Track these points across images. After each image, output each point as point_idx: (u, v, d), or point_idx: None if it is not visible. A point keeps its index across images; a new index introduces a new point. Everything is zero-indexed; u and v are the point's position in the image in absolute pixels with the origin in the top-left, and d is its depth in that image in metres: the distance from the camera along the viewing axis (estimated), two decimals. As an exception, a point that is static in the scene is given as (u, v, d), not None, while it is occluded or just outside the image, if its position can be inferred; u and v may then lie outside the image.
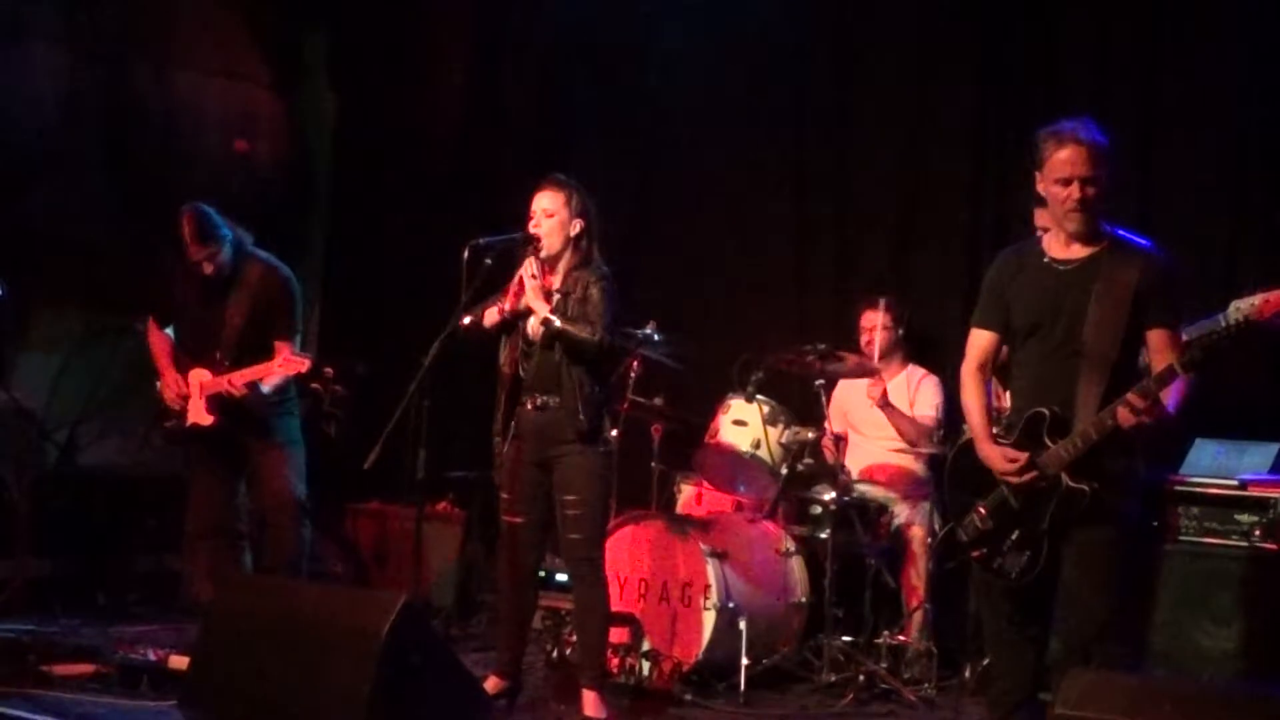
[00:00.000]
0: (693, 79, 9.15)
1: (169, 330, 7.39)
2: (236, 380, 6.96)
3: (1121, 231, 5.28)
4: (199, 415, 7.13)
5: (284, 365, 6.95)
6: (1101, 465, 5.12)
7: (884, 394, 7.59)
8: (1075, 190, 5.15)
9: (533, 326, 6.27)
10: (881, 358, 7.80)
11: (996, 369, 5.63)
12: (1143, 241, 5.27)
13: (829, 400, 7.62)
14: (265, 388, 7.06)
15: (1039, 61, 8.05)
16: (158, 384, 7.31)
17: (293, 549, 7.12)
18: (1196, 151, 7.55)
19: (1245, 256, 7.33)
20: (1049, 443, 5.17)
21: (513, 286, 6.30)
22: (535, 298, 6.17)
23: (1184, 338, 5.27)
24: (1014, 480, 5.22)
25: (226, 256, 7.10)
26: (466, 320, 6.26)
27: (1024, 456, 5.18)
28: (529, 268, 6.23)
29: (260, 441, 7.19)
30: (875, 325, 7.82)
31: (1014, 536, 5.26)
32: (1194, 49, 7.57)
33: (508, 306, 6.29)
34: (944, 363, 7.87)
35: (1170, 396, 5.06)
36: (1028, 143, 5.36)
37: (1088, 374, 5.14)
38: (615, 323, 6.32)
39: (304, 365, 6.95)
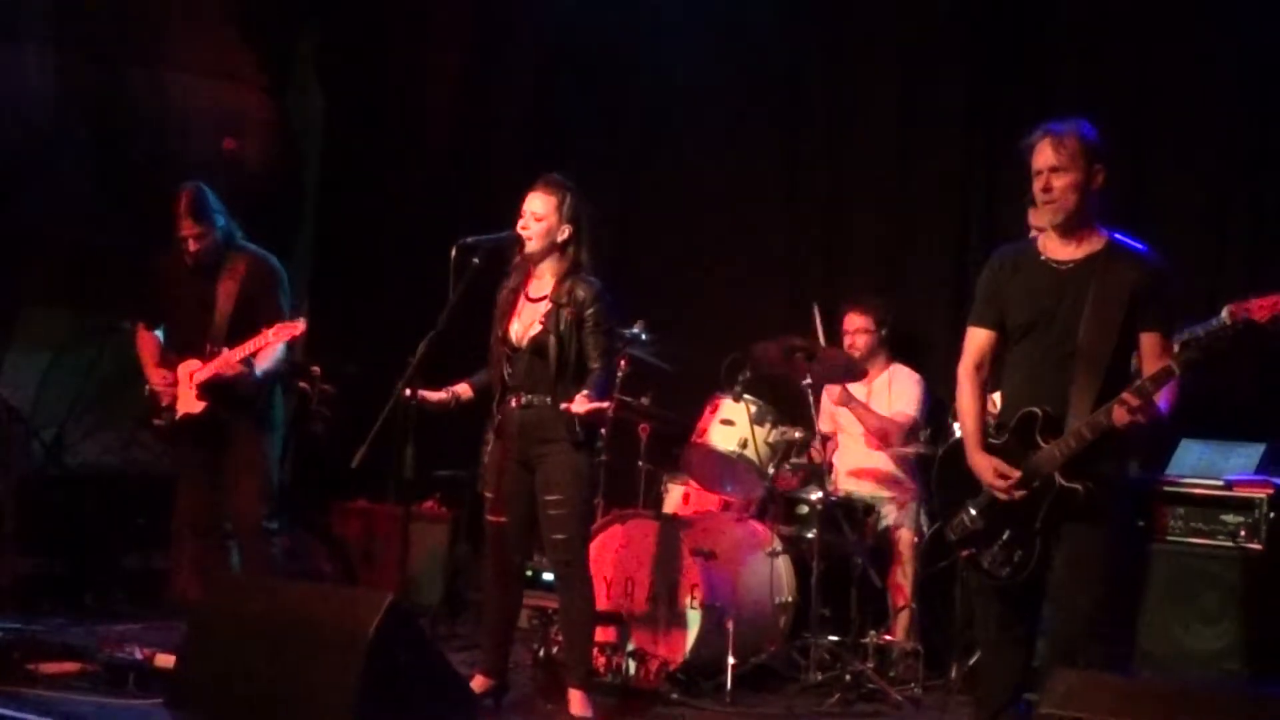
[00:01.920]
0: (684, 79, 9.15)
1: (158, 332, 7.36)
2: (233, 356, 6.90)
3: (1119, 236, 5.30)
4: (189, 404, 7.09)
5: (277, 332, 6.86)
6: (1093, 465, 5.13)
7: (842, 393, 7.60)
8: (1041, 182, 5.21)
9: (516, 333, 6.28)
10: (864, 359, 7.82)
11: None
12: (1140, 246, 5.29)
13: (818, 401, 7.62)
14: (258, 368, 6.98)
15: (1030, 63, 8.07)
16: (145, 387, 7.28)
17: (261, 569, 7.08)
18: (1186, 157, 7.56)
19: (1232, 263, 7.34)
20: (1041, 442, 5.18)
21: (504, 307, 6.34)
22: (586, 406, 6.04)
23: (1176, 340, 5.29)
24: (1002, 496, 5.23)
25: (216, 240, 7.08)
26: (407, 392, 6.20)
27: (1017, 475, 5.19)
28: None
29: (238, 449, 7.14)
30: (857, 328, 7.85)
31: (1005, 536, 5.27)
32: (1186, 54, 7.59)
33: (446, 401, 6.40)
34: (932, 363, 7.90)
35: (1163, 397, 5.08)
36: (1018, 144, 5.39)
37: (1082, 374, 5.16)
38: (611, 338, 6.34)
39: (298, 328, 6.89)
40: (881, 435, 7.69)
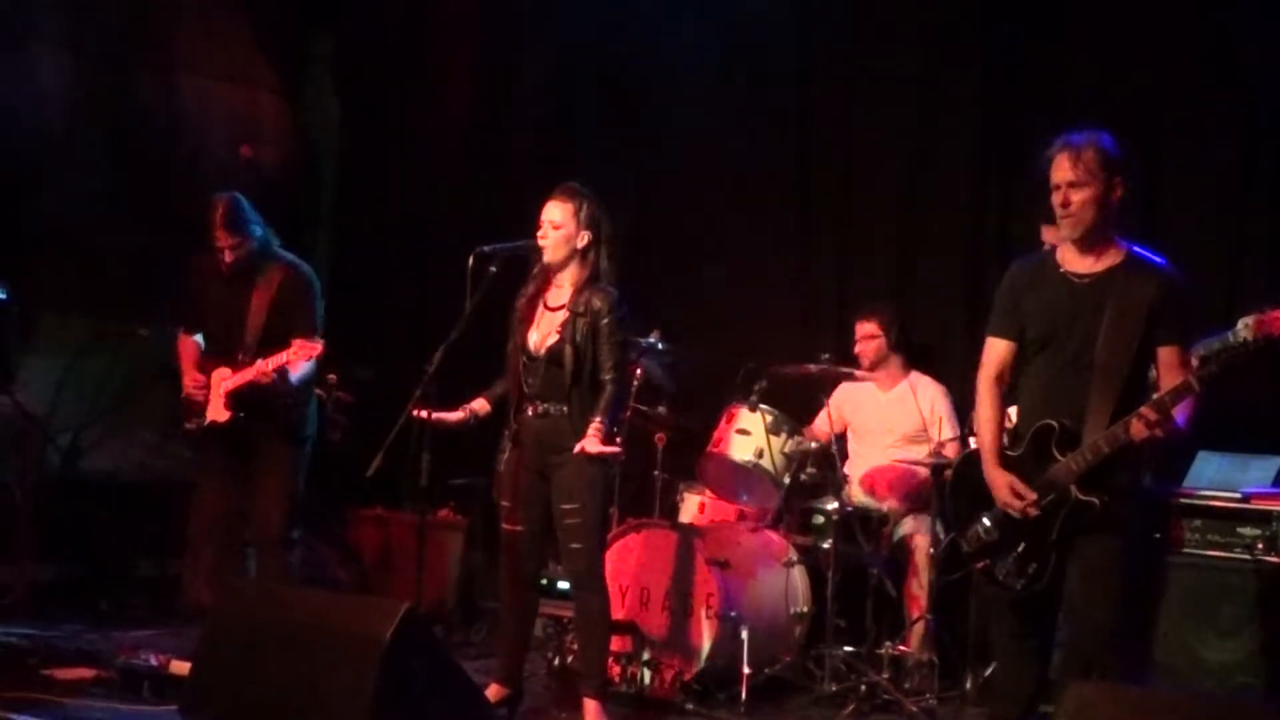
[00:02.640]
0: (697, 86, 9.15)
1: (198, 337, 7.31)
2: (266, 366, 6.85)
3: (1137, 248, 5.29)
4: (217, 412, 7.04)
5: (298, 351, 6.81)
6: (1109, 478, 5.12)
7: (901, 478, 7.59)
8: (1059, 196, 5.20)
9: (534, 342, 6.28)
10: (873, 367, 7.82)
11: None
12: (1158, 259, 5.28)
13: (828, 402, 7.60)
14: (294, 377, 6.95)
15: (1042, 69, 8.05)
16: (180, 393, 7.25)
17: (277, 578, 7.03)
18: (1201, 164, 7.54)
19: (1248, 273, 7.32)
20: (1057, 455, 5.18)
21: (521, 315, 6.35)
22: (595, 446, 6.09)
23: (1193, 354, 5.29)
24: (1015, 513, 5.23)
25: (252, 250, 7.04)
26: (423, 414, 6.28)
27: (1033, 496, 5.19)
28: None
29: (267, 457, 7.11)
30: (865, 336, 7.86)
31: (1020, 548, 5.26)
32: (1200, 59, 7.57)
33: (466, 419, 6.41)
34: (944, 371, 7.89)
35: (1181, 412, 5.07)
36: (1032, 152, 5.38)
37: (1099, 387, 5.15)
38: (625, 349, 6.35)
39: (317, 349, 6.83)
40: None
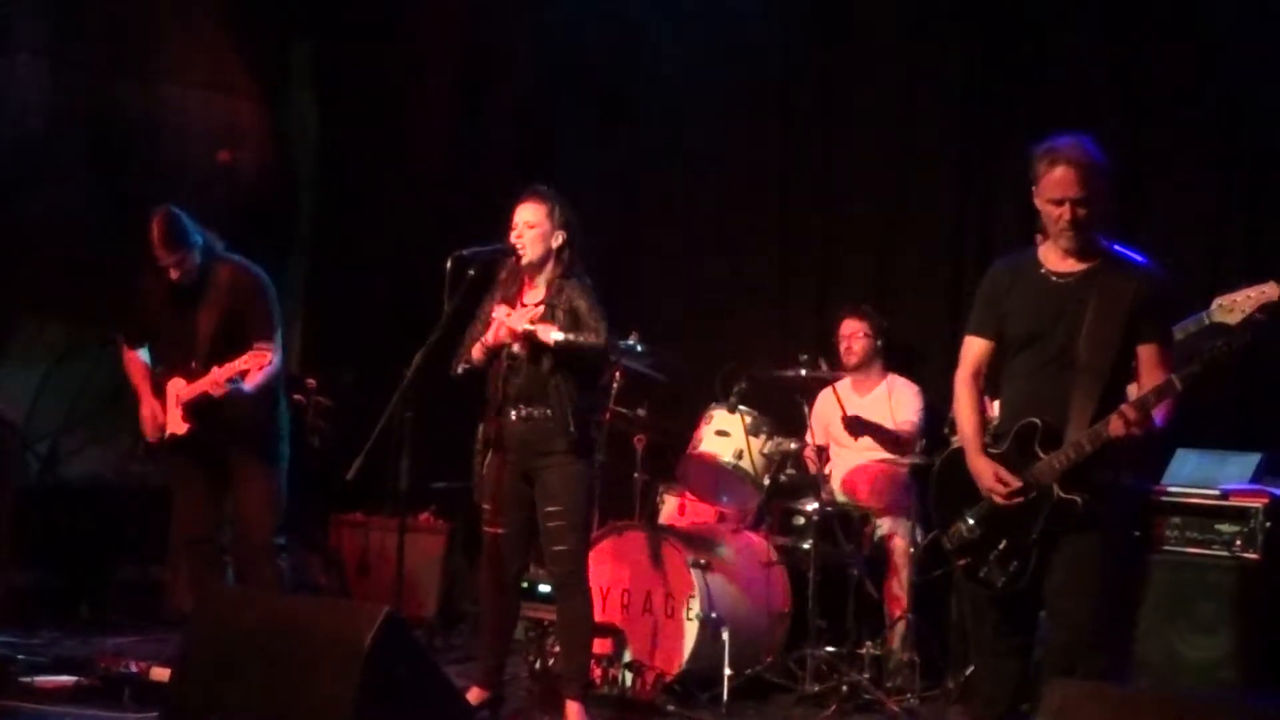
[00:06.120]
0: (678, 90, 9.15)
1: (143, 351, 7.13)
2: (220, 375, 6.64)
3: (1118, 247, 5.29)
4: (176, 425, 6.85)
5: (250, 359, 6.60)
6: (1091, 476, 5.13)
7: (846, 421, 7.58)
8: (1067, 211, 5.17)
9: (518, 342, 6.27)
10: (860, 367, 7.83)
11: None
12: (1139, 258, 5.29)
13: (810, 411, 7.63)
14: (248, 387, 6.72)
15: (1023, 70, 8.07)
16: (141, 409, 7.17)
17: (270, 586, 6.92)
18: (1180, 155, 7.57)
19: (1226, 269, 7.33)
20: (1040, 454, 5.18)
21: (488, 318, 6.33)
22: (539, 326, 6.12)
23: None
24: (1000, 501, 5.23)
25: (196, 262, 6.82)
26: (461, 369, 6.34)
27: (1018, 484, 5.19)
28: (500, 312, 6.26)
29: (242, 465, 6.94)
30: (854, 333, 7.86)
31: (1001, 546, 5.26)
32: (1179, 56, 7.60)
33: (490, 340, 6.30)
34: (925, 373, 7.90)
35: (1160, 411, 5.09)
36: (1013, 154, 5.38)
37: (1081, 386, 5.15)
38: (606, 324, 6.35)
39: (265, 357, 6.61)
40: (897, 447, 7.67)
